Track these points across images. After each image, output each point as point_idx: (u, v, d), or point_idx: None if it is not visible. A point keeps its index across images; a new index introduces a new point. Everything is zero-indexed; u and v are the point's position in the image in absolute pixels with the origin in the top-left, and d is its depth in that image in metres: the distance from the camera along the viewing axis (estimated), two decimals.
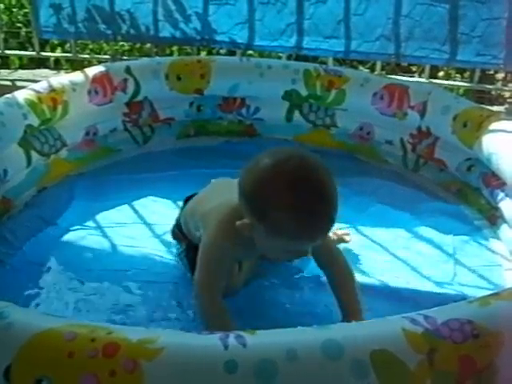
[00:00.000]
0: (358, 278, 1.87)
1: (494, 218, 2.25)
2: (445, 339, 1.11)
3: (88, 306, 1.73)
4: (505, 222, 2.17)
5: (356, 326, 1.17)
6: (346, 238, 2.03)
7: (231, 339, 1.07)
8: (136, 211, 2.23)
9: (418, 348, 1.09)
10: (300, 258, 1.61)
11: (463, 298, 1.72)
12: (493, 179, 2.22)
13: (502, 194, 2.18)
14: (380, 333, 1.13)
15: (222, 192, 1.72)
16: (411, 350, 1.09)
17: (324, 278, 1.76)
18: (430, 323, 1.14)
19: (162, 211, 2.21)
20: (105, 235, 2.08)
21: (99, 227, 2.13)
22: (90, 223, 2.15)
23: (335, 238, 1.97)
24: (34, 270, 1.89)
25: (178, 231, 1.92)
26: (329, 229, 1.47)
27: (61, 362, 1.06)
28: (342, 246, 1.97)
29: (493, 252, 2.12)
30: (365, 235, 2.13)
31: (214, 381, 1.03)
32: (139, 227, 2.14)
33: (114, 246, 2.03)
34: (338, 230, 2.01)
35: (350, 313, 1.60)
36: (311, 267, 1.86)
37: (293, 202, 1.37)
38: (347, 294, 1.66)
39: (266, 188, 1.40)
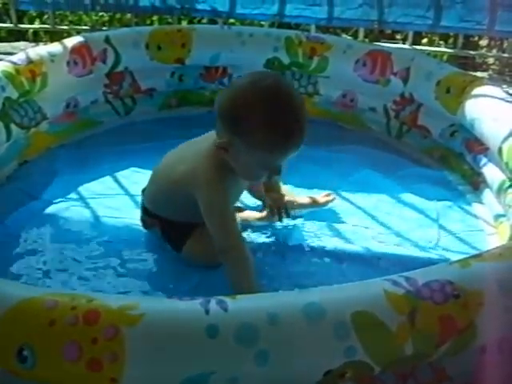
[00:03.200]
0: (341, 243, 1.90)
1: (477, 183, 2.25)
2: (426, 300, 1.12)
3: (71, 277, 1.72)
4: (488, 187, 2.17)
5: (337, 289, 1.17)
6: (323, 200, 2.05)
7: (212, 304, 1.07)
8: (118, 182, 2.22)
9: (399, 309, 1.10)
10: (272, 177, 1.70)
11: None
12: (476, 144, 2.22)
13: (484, 160, 2.17)
14: (361, 295, 1.13)
15: (187, 151, 1.78)
16: (392, 311, 1.10)
17: (307, 245, 1.84)
18: (412, 284, 1.14)
19: (145, 182, 2.17)
20: (87, 206, 2.06)
21: (82, 199, 2.11)
22: (73, 195, 2.13)
23: (321, 201, 2.03)
24: (17, 243, 1.86)
25: (147, 216, 1.89)
26: (301, 141, 1.54)
27: (42, 331, 1.06)
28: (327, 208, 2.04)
29: (476, 217, 2.13)
30: (349, 201, 2.14)
31: (196, 345, 1.03)
32: (122, 198, 2.13)
33: (96, 217, 2.01)
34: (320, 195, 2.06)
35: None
36: (295, 237, 1.91)
37: (269, 113, 1.49)
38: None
39: (243, 102, 1.51)
